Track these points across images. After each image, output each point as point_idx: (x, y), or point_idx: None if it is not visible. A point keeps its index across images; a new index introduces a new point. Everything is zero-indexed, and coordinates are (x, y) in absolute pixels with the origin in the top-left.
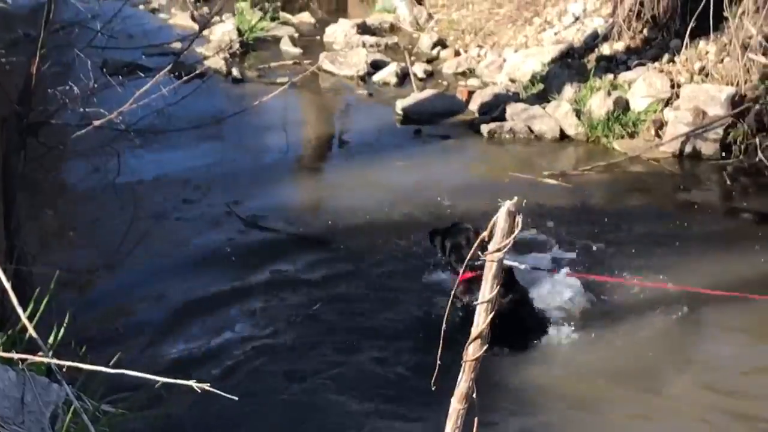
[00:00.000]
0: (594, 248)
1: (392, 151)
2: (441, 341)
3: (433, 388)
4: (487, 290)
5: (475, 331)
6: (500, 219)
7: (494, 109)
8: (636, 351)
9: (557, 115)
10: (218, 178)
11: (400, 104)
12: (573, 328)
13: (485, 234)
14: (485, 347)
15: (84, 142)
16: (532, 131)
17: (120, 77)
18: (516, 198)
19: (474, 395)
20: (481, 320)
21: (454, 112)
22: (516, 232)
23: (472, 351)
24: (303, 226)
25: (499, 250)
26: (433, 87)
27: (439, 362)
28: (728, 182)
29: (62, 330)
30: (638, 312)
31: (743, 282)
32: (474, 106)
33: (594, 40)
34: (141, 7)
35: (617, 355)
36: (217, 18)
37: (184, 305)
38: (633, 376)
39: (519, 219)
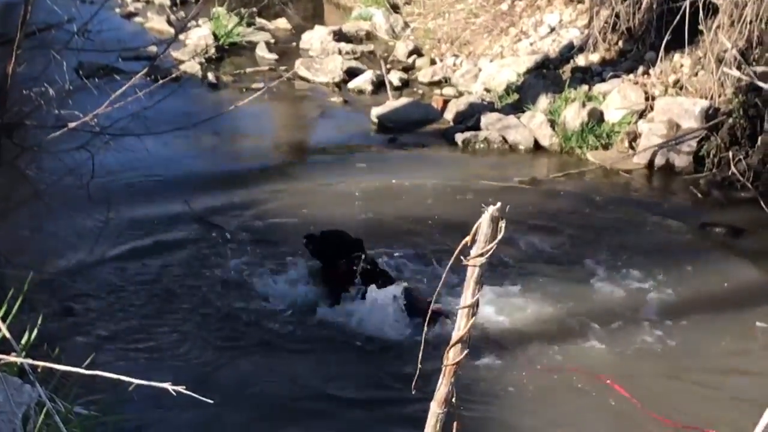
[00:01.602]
0: (558, 255)
1: (366, 159)
2: (422, 348)
3: (413, 392)
4: (468, 295)
5: (455, 335)
6: (483, 224)
7: (469, 119)
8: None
9: (532, 126)
10: (189, 180)
11: (375, 112)
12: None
13: (468, 239)
14: (465, 351)
15: (58, 143)
16: (506, 141)
17: (96, 80)
18: (499, 203)
19: (454, 399)
20: (462, 324)
21: (429, 120)
22: (499, 237)
23: (453, 355)
24: (265, 229)
25: (482, 255)
26: (408, 95)
27: (420, 366)
28: (700, 195)
29: (35, 331)
30: None
31: (711, 295)
32: (449, 115)
33: (569, 51)
34: (117, 10)
35: None
36: (193, 22)
37: (158, 307)
38: None
39: (502, 224)
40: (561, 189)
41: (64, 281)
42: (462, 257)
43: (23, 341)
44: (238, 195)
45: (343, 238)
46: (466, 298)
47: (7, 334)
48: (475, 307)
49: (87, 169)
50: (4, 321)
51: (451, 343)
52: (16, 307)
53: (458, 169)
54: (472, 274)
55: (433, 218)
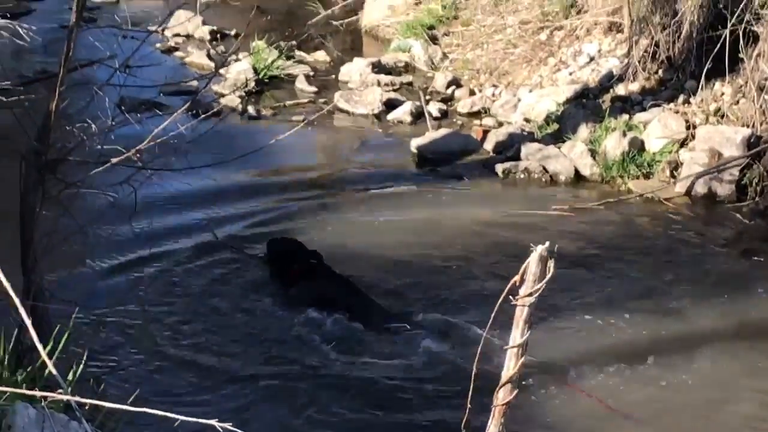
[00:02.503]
0: (600, 283)
1: (406, 190)
2: (471, 385)
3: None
4: (518, 335)
5: (505, 375)
6: (532, 263)
7: (509, 149)
8: None
9: (572, 155)
10: (230, 212)
11: (415, 143)
12: None
13: (516, 278)
14: (515, 392)
15: (101, 178)
16: (546, 171)
17: (138, 115)
18: (548, 243)
19: None
20: (511, 364)
21: (469, 151)
22: (548, 276)
23: (502, 396)
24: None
25: (530, 294)
26: (447, 126)
27: (469, 405)
28: (743, 224)
29: (80, 367)
30: None
31: (752, 325)
32: (489, 145)
33: (609, 81)
34: (158, 45)
35: None
36: (233, 57)
37: (202, 340)
38: None
39: (551, 264)
40: (602, 218)
41: (108, 316)
42: (511, 296)
43: (69, 377)
44: (278, 227)
45: (301, 246)
46: (515, 337)
47: (54, 371)
48: (524, 347)
49: (130, 204)
50: (50, 357)
51: (501, 383)
52: (62, 343)
53: (499, 200)
54: (521, 313)
55: (476, 250)
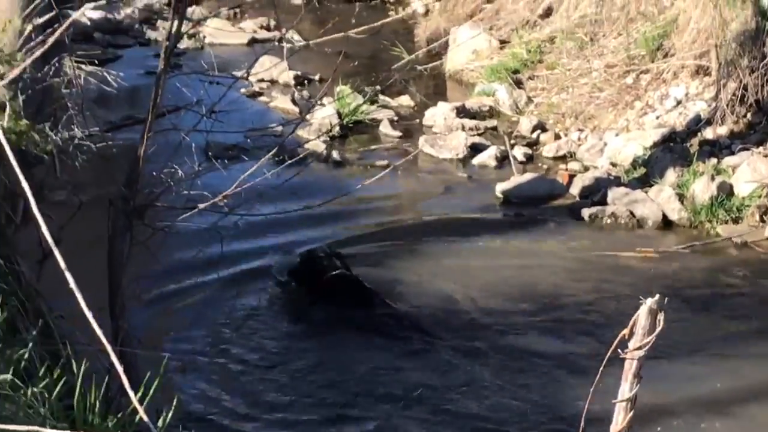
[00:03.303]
0: (687, 327)
1: (492, 234)
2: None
3: None
4: (627, 389)
5: (613, 429)
6: (641, 317)
7: (595, 193)
8: None
9: (660, 200)
10: None
11: (500, 187)
12: None
13: (625, 331)
14: None
15: (188, 223)
16: (633, 215)
17: (224, 160)
18: (658, 296)
19: None
20: (620, 419)
21: (555, 195)
22: (658, 329)
23: None
24: (396, 304)
25: (640, 348)
26: (533, 170)
27: None
28: None
29: (170, 413)
30: None
31: None
32: (575, 190)
33: (697, 124)
34: (243, 91)
35: None
36: (318, 102)
37: (289, 381)
38: None
39: (661, 317)
40: (690, 262)
41: (198, 361)
42: (619, 350)
43: (159, 423)
44: (362, 271)
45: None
46: (624, 391)
47: (146, 418)
48: (633, 401)
49: (216, 249)
50: (141, 403)
51: None
52: (152, 389)
53: (585, 244)
54: (630, 367)
55: (565, 294)
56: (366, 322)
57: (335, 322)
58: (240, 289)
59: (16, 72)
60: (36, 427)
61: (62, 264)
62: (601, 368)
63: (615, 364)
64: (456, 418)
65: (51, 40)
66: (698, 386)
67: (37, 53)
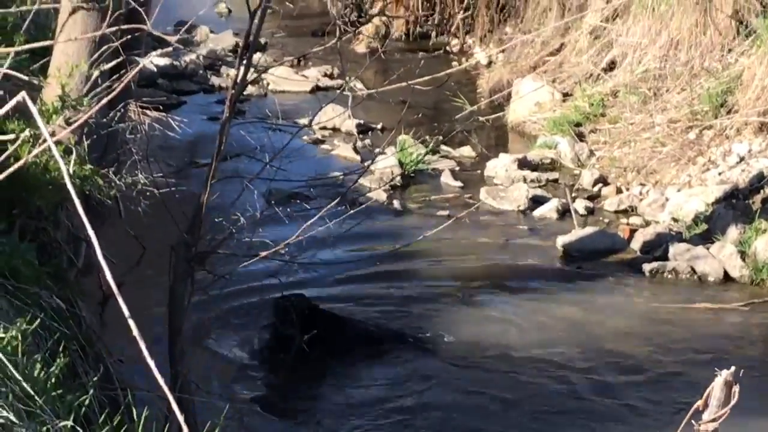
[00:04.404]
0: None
1: (552, 288)
2: None
3: None
4: None
5: None
6: (716, 389)
7: (656, 249)
8: None
9: (721, 257)
10: (374, 304)
11: (561, 240)
12: None
13: (700, 403)
14: None
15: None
16: (695, 272)
17: (286, 208)
18: (733, 367)
19: None
20: None
21: (616, 250)
22: (732, 402)
23: None
24: (448, 358)
25: (714, 420)
26: (594, 224)
27: None
28: None
29: None
30: None
31: None
32: (636, 244)
33: (760, 181)
34: (305, 138)
35: None
36: (380, 151)
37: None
38: None
39: (736, 389)
40: (752, 319)
41: (256, 410)
42: (693, 421)
43: None
44: (420, 322)
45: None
46: None
47: None
48: None
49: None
50: None
51: None
52: None
53: (647, 299)
54: None
55: (625, 350)
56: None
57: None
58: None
59: (82, 118)
60: None
61: (125, 309)
62: None
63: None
64: None
65: (119, 88)
66: None
67: (104, 100)
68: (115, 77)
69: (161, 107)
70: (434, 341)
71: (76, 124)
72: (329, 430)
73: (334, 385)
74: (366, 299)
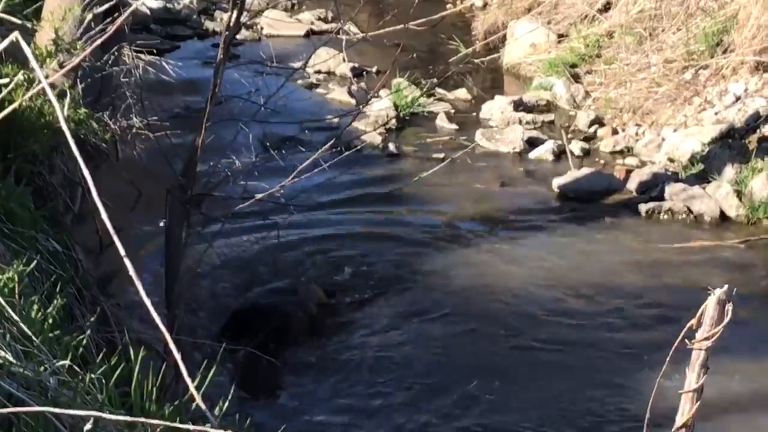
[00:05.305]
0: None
1: (548, 229)
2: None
3: None
4: (693, 379)
5: (679, 420)
6: (709, 307)
7: (653, 189)
8: None
9: (717, 196)
10: (369, 247)
11: (557, 182)
12: None
13: (693, 321)
14: None
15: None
16: (691, 211)
17: (281, 151)
18: (726, 286)
19: None
20: (686, 409)
21: (612, 191)
22: (726, 320)
23: None
24: (448, 299)
25: (707, 338)
26: (590, 165)
27: None
28: None
29: (227, 402)
30: None
31: None
32: (632, 185)
33: (756, 121)
34: (299, 82)
35: None
36: (374, 93)
37: (342, 377)
38: None
39: (729, 307)
40: (748, 257)
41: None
42: (687, 340)
43: (216, 412)
44: (418, 264)
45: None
46: (691, 382)
47: (203, 405)
48: (699, 391)
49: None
50: (198, 390)
51: (674, 427)
52: (208, 378)
53: (643, 239)
54: (697, 357)
55: (624, 288)
56: None
57: None
58: (289, 276)
59: (76, 61)
60: (95, 412)
61: (122, 251)
62: (668, 358)
63: (676, 355)
64: (519, 407)
65: (111, 30)
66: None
67: (97, 42)
68: (108, 20)
69: (155, 51)
70: (430, 281)
71: (69, 66)
72: (323, 367)
73: (334, 327)
74: (361, 241)
